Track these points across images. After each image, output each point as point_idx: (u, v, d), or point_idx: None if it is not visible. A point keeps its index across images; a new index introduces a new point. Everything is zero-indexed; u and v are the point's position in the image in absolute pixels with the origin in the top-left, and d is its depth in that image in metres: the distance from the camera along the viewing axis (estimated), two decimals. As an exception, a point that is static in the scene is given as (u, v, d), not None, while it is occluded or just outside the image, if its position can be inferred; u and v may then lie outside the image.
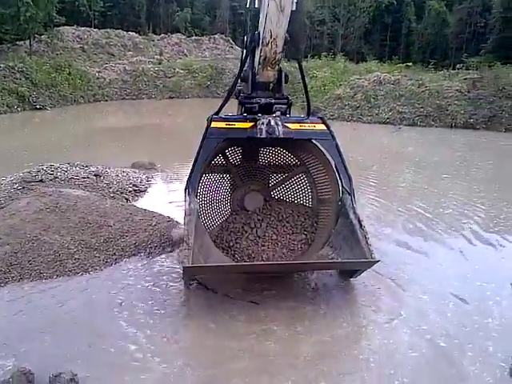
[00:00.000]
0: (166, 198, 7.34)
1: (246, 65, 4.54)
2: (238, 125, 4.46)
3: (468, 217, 6.92)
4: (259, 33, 4.10)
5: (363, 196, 7.68)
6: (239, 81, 4.70)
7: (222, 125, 4.44)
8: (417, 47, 47.68)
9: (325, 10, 48.93)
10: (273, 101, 4.57)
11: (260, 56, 4.20)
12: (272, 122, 4.33)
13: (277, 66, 4.36)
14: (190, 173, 4.37)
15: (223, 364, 3.35)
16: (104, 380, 3.11)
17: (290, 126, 4.48)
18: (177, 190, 7.59)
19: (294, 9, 3.86)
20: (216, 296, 4.28)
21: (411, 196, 8.03)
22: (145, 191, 7.65)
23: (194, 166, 4.39)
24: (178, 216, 6.15)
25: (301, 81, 4.85)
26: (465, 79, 18.22)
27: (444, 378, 3.27)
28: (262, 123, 4.34)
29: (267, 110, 4.59)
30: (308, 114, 4.82)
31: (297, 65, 4.78)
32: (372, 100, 18.09)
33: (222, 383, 3.16)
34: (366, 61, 25.73)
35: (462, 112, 16.82)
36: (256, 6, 4.10)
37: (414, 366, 3.40)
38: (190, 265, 3.75)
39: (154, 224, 5.71)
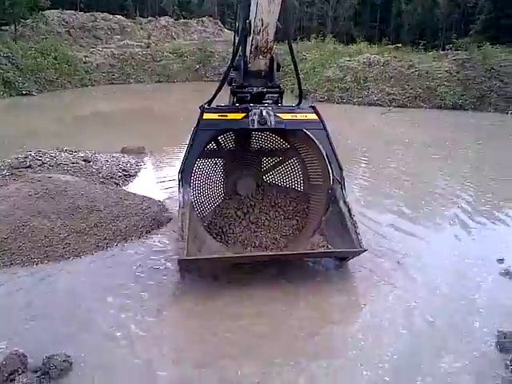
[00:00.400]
0: (155, 181, 7.34)
1: (238, 53, 4.53)
2: (230, 116, 4.44)
3: (458, 195, 7.03)
4: (250, 21, 4.10)
5: (355, 177, 7.76)
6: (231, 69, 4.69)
7: (215, 116, 4.43)
8: (406, 28, 47.37)
9: (314, -9, 48.42)
10: (265, 90, 4.58)
11: (252, 45, 4.21)
12: (264, 113, 4.33)
13: (268, 55, 4.38)
14: (183, 164, 4.34)
15: (213, 348, 3.38)
16: (97, 362, 3.14)
17: (282, 116, 4.48)
18: (167, 173, 7.62)
19: None
20: (205, 278, 4.30)
21: (402, 176, 8.06)
22: (135, 176, 7.62)
23: (186, 157, 4.36)
24: (168, 199, 6.18)
25: (291, 63, 4.87)
26: (454, 60, 18.23)
27: (431, 354, 3.34)
28: (254, 114, 4.34)
29: (259, 98, 4.59)
30: (300, 101, 4.83)
31: (288, 48, 4.77)
32: (362, 82, 18.04)
33: (213, 367, 3.18)
34: (355, 42, 25.50)
35: (451, 93, 16.88)
36: None
37: (403, 343, 3.45)
38: (185, 257, 3.78)
39: (144, 208, 5.71)
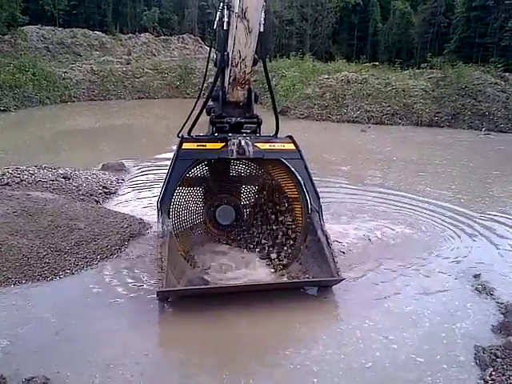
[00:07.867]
0: (136, 199, 7.29)
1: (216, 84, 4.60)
2: (208, 145, 4.49)
3: (446, 212, 7.06)
4: (228, 54, 4.18)
5: (341, 195, 7.86)
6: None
7: (194, 146, 4.47)
8: (383, 47, 48.69)
9: (293, 9, 49.31)
10: (243, 120, 4.66)
11: (230, 76, 4.29)
12: (242, 143, 4.40)
13: (246, 86, 4.47)
14: (163, 193, 4.35)
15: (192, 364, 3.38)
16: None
17: (260, 145, 4.56)
18: (147, 190, 7.58)
19: (261, 30, 3.98)
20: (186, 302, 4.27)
21: (391, 193, 8.11)
22: (115, 193, 7.56)
23: (165, 186, 4.36)
24: (149, 217, 6.14)
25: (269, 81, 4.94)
26: (429, 78, 18.81)
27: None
28: (233, 144, 4.41)
29: (238, 128, 4.66)
30: (277, 131, 4.92)
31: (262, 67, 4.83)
32: (340, 99, 18.36)
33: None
34: (334, 60, 25.98)
35: (427, 110, 17.35)
36: (224, 28, 4.18)
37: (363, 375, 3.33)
38: (164, 289, 3.77)
39: (125, 226, 5.66)
